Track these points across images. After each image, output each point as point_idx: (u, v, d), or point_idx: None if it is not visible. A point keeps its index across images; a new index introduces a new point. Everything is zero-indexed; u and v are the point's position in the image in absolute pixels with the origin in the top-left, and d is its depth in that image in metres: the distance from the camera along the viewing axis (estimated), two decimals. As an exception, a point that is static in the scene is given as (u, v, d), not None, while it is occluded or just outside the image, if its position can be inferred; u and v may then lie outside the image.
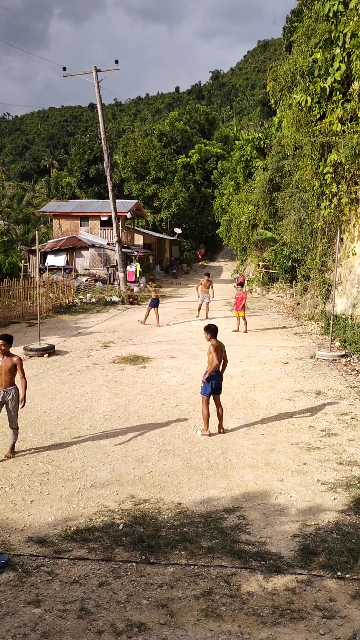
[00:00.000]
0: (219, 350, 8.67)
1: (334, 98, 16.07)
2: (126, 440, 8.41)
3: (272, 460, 7.56)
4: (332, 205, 16.60)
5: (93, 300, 27.63)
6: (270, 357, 14.35)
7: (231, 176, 47.22)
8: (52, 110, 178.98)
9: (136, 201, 47.66)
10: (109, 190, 29.19)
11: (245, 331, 18.32)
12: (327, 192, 16.67)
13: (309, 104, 17.03)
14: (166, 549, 5.34)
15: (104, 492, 6.66)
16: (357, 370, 12.54)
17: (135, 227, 48.49)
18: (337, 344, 14.95)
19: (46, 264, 35.27)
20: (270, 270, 31.62)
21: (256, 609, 4.41)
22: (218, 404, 8.82)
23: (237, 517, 6.01)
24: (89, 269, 37.13)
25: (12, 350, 7.96)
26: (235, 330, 18.53)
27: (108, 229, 40.15)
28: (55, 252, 37.39)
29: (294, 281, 27.03)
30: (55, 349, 15.23)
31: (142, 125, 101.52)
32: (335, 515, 5.98)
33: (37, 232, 20.18)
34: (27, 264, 37.57)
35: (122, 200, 41.09)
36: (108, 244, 38.28)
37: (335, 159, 15.68)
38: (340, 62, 15.52)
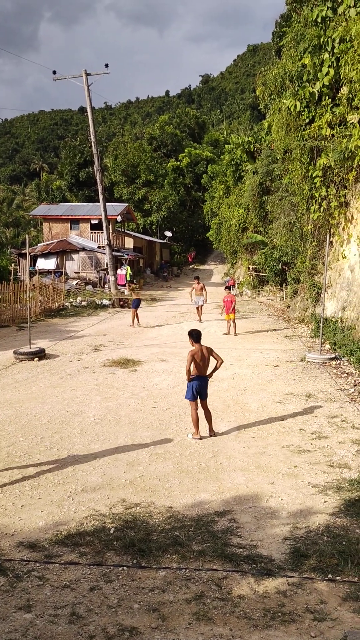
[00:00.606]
0: (198, 357, 8.60)
1: (323, 103, 16.20)
2: (117, 444, 8.39)
3: (263, 463, 7.58)
4: (322, 209, 16.71)
5: (83, 303, 27.58)
6: (261, 359, 14.40)
7: (221, 180, 47.38)
8: (42, 113, 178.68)
9: (126, 204, 47.65)
10: (100, 193, 29.20)
11: (235, 334, 18.37)
12: (317, 195, 16.78)
13: (298, 109, 17.14)
14: (157, 553, 5.33)
15: (94, 496, 6.64)
16: (347, 373, 12.61)
17: (126, 231, 48.49)
18: (327, 346, 15.02)
19: (36, 268, 35.16)
20: (261, 273, 31.72)
21: (247, 612, 4.41)
22: (205, 409, 8.82)
23: (228, 520, 6.02)
24: (79, 273, 37.07)
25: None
26: (226, 333, 18.58)
27: (98, 233, 40.12)
28: (46, 255, 37.28)
29: (284, 284, 27.13)
30: (46, 352, 15.18)
31: (132, 128, 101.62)
32: (326, 517, 6.01)
33: (27, 235, 20.13)
34: (17, 267, 37.40)
35: (113, 204, 41.08)
36: (98, 247, 38.25)
37: (325, 163, 15.79)
38: (329, 67, 15.66)
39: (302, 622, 4.29)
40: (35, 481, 7.08)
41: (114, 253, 31.96)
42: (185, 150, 66.09)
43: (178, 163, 65.25)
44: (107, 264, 30.68)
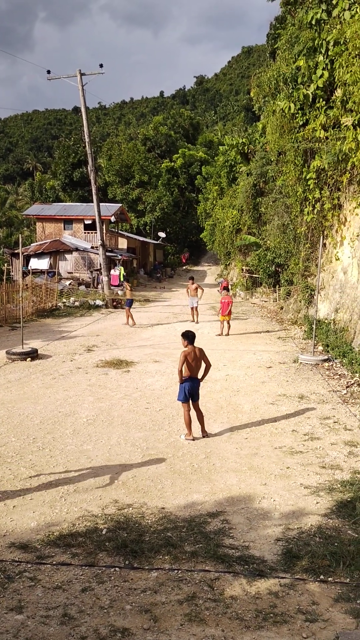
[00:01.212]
0: (191, 358, 8.62)
1: (317, 105, 16.25)
2: (109, 445, 8.37)
3: (256, 464, 7.59)
4: (315, 211, 16.76)
5: (76, 304, 27.52)
6: (254, 361, 14.42)
7: (215, 181, 47.44)
8: (36, 113, 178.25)
9: (120, 205, 47.62)
10: (93, 193, 29.15)
11: (227, 335, 18.40)
12: (310, 197, 16.83)
13: (292, 111, 17.19)
14: (150, 554, 5.33)
15: (87, 497, 6.63)
16: (339, 375, 12.65)
17: (119, 231, 48.45)
18: (320, 348, 15.07)
19: (29, 267, 35.05)
20: (254, 275, 31.78)
21: (240, 613, 4.42)
22: (197, 410, 8.82)
23: (220, 521, 6.02)
24: (72, 273, 36.99)
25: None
26: (219, 335, 18.60)
27: (92, 233, 40.05)
28: (39, 255, 37.18)
29: (277, 286, 27.20)
30: (38, 352, 15.14)
31: (126, 129, 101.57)
32: (318, 519, 6.02)
33: (20, 235, 20.08)
34: (10, 267, 37.30)
35: (106, 204, 41.03)
36: (92, 247, 38.18)
37: (318, 165, 15.84)
38: (323, 69, 15.71)
39: (294, 623, 4.29)
40: (27, 482, 7.05)
41: (107, 253, 31.92)
42: (180, 151, 66.11)
43: (172, 164, 65.27)
44: (100, 264, 30.63)
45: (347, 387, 11.57)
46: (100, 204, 30.59)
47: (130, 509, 6.32)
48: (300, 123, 17.35)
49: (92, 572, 5.05)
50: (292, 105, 17.10)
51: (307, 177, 16.60)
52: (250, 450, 8.10)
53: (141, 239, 51.59)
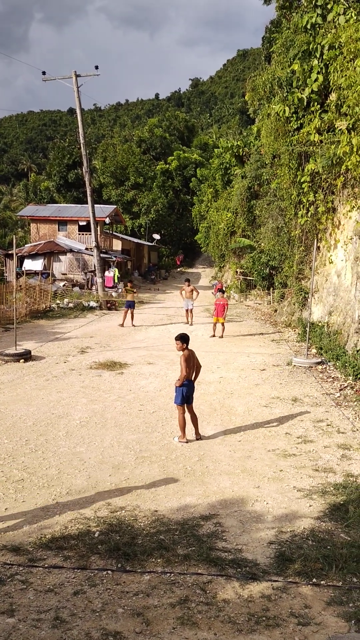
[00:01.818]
0: (190, 360, 8.64)
1: (312, 109, 16.30)
2: (103, 447, 8.35)
3: (249, 467, 7.59)
4: (309, 214, 16.81)
5: (70, 305, 27.46)
6: (248, 363, 14.43)
7: (210, 183, 47.50)
8: (31, 114, 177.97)
9: (115, 206, 47.59)
10: (88, 195, 29.12)
11: (221, 337, 18.42)
12: (305, 200, 16.88)
13: (287, 114, 17.23)
14: (142, 557, 5.31)
15: (79, 500, 6.60)
16: (332, 378, 12.68)
17: (114, 233, 48.40)
18: (314, 351, 15.10)
19: (23, 268, 34.96)
20: (248, 277, 31.83)
21: (232, 617, 4.41)
22: (191, 412, 8.81)
23: (213, 524, 6.01)
24: (66, 274, 36.93)
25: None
26: (212, 336, 18.61)
27: (86, 234, 40.01)
28: (33, 256, 37.10)
29: (271, 288, 27.25)
30: (32, 354, 15.09)
31: (121, 131, 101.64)
32: (311, 522, 6.02)
33: (14, 236, 20.03)
34: (4, 268, 37.23)
35: (101, 206, 40.99)
36: (86, 249, 38.13)
37: (313, 168, 15.89)
38: (318, 73, 15.77)
39: (287, 626, 4.29)
40: (19, 484, 7.02)
41: (101, 255, 31.88)
42: (174, 154, 66.16)
43: (167, 166, 65.33)
44: (94, 265, 30.58)
45: (340, 390, 11.60)
46: (95, 205, 30.55)
47: (123, 511, 6.30)
48: (295, 126, 17.39)
49: (84, 575, 5.03)
50: (286, 108, 17.14)
51: (302, 181, 16.64)
52: (244, 453, 8.10)
53: (136, 240, 51.56)
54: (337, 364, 13.19)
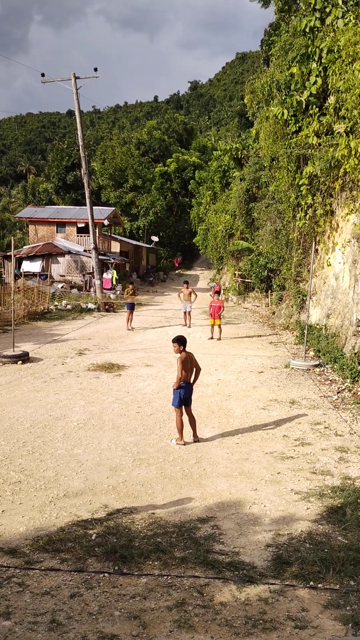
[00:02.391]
0: (187, 363, 8.62)
1: (310, 112, 16.34)
2: (100, 449, 8.34)
3: (246, 469, 7.58)
4: (308, 217, 16.83)
5: (68, 307, 27.44)
6: (246, 366, 14.42)
7: (208, 186, 47.56)
8: (30, 115, 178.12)
9: (113, 208, 47.62)
10: (87, 197, 29.12)
11: (219, 339, 18.41)
12: (303, 203, 16.90)
13: (285, 117, 17.28)
14: (139, 560, 5.30)
15: (76, 502, 6.58)
16: (330, 380, 12.68)
17: (112, 235, 48.41)
18: (312, 353, 15.10)
19: (21, 270, 34.95)
20: (246, 280, 31.85)
21: (229, 620, 4.39)
22: (189, 415, 8.80)
23: (210, 526, 6.00)
24: (64, 276, 36.90)
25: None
26: (210, 338, 18.60)
27: (85, 236, 39.99)
28: (31, 258, 37.07)
29: (269, 291, 27.26)
30: (29, 356, 15.06)
31: (120, 133, 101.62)
32: (308, 524, 6.02)
33: (12, 237, 20.01)
34: (2, 269, 37.20)
35: (100, 208, 41.02)
36: (85, 250, 38.12)
37: (311, 171, 15.92)
38: (317, 76, 15.81)
39: (284, 629, 4.28)
40: (16, 486, 7.01)
41: (100, 257, 31.87)
42: (173, 156, 66.27)
43: (166, 168, 65.40)
44: (93, 267, 30.57)
45: (338, 392, 11.60)
46: (94, 207, 30.57)
47: (120, 514, 6.29)
48: (294, 129, 17.43)
49: (81, 577, 5.01)
50: (285, 111, 17.19)
51: (300, 183, 16.67)
52: (241, 456, 8.09)
53: (134, 242, 51.59)
54: (335, 366, 13.19)
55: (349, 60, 13.46)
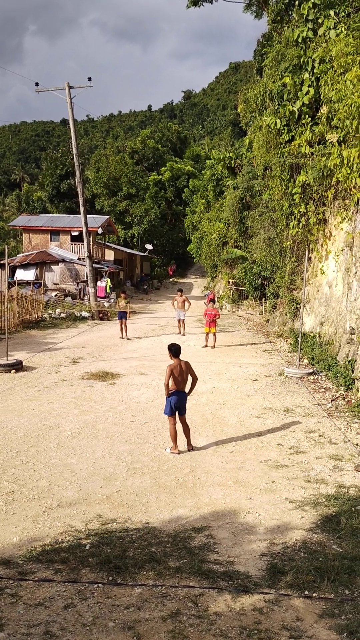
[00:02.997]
0: (178, 371, 8.60)
1: (303, 121, 16.47)
2: (94, 459, 8.31)
3: (241, 478, 7.57)
4: (301, 225, 16.91)
5: (62, 315, 27.39)
6: (240, 374, 14.43)
7: (202, 194, 47.73)
8: (24, 124, 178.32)
9: (107, 217, 47.67)
10: (80, 205, 29.16)
11: (213, 347, 18.42)
12: (296, 212, 17.00)
13: (278, 127, 17.40)
14: (133, 570, 5.27)
15: (70, 512, 6.55)
16: (324, 388, 12.70)
17: (106, 243, 48.43)
18: (305, 361, 15.13)
19: (15, 278, 34.88)
20: (240, 288, 31.92)
21: (224, 630, 4.37)
22: (183, 423, 8.78)
23: (205, 536, 5.98)
24: (58, 284, 36.86)
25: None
26: (205, 346, 18.61)
27: (79, 244, 40.00)
28: (25, 266, 37.02)
29: (263, 299, 27.33)
30: (23, 364, 15.01)
31: (114, 142, 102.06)
32: (303, 533, 6.01)
33: (6, 246, 19.99)
34: (-4, 278, 37.02)
35: (94, 216, 41.03)
36: (78, 259, 38.11)
37: (304, 180, 16.02)
38: (309, 86, 15.95)
39: (279, 639, 4.26)
40: (9, 496, 6.96)
41: (94, 265, 31.87)
42: (167, 165, 66.54)
43: (159, 177, 65.65)
44: (87, 275, 30.56)
45: (332, 400, 11.62)
46: (88, 215, 30.59)
47: (114, 524, 6.26)
48: (286, 139, 17.55)
49: (75, 588, 4.98)
50: (278, 121, 17.31)
51: (293, 192, 16.77)
52: (236, 464, 8.08)
53: (128, 250, 51.63)
54: (329, 374, 13.22)
55: (341, 70, 13.60)
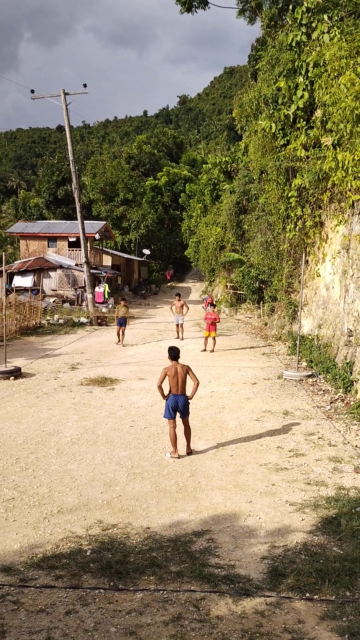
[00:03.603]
0: (171, 374, 8.61)
1: (298, 125, 16.55)
2: (94, 464, 8.31)
3: (241, 481, 7.58)
4: (297, 228, 16.97)
5: (61, 321, 27.39)
6: (239, 377, 14.44)
7: (199, 199, 47.83)
8: (20, 131, 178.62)
9: (105, 222, 47.72)
10: (77, 211, 29.21)
11: (212, 351, 18.44)
12: (292, 215, 17.05)
13: (273, 131, 17.49)
14: (135, 575, 5.27)
15: (71, 518, 6.55)
16: (323, 390, 12.71)
17: (104, 248, 48.48)
18: (304, 364, 15.15)
19: (13, 285, 34.88)
20: (238, 291, 31.96)
21: (226, 634, 4.38)
22: (186, 426, 8.79)
23: (206, 540, 5.98)
24: (56, 290, 36.86)
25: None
26: (204, 350, 18.62)
27: (76, 250, 40.03)
28: (22, 272, 37.01)
29: (261, 302, 27.37)
30: (22, 371, 15.01)
31: (110, 147, 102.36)
32: (304, 536, 6.01)
33: (3, 252, 20.00)
34: (-6, 284, 36.99)
35: (91, 222, 41.09)
36: (76, 264, 38.12)
37: (300, 183, 16.08)
38: (304, 90, 16.05)
39: (280, 642, 4.26)
40: (10, 503, 6.96)
41: (92, 271, 31.92)
42: (164, 169, 66.67)
43: (156, 182, 65.77)
44: (84, 281, 30.59)
45: (331, 402, 11.63)
46: (85, 221, 30.65)
47: (115, 529, 6.26)
48: (282, 142, 17.64)
49: (76, 594, 4.98)
50: (273, 125, 17.40)
51: (289, 195, 16.83)
52: (236, 468, 8.09)
53: (126, 256, 51.66)
54: (328, 376, 13.24)
55: (335, 74, 13.67)
